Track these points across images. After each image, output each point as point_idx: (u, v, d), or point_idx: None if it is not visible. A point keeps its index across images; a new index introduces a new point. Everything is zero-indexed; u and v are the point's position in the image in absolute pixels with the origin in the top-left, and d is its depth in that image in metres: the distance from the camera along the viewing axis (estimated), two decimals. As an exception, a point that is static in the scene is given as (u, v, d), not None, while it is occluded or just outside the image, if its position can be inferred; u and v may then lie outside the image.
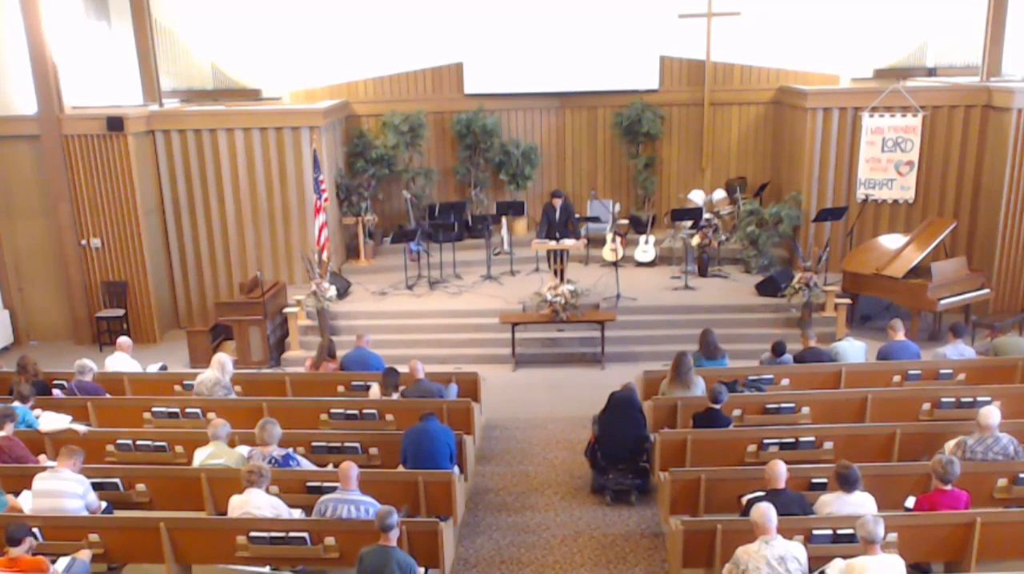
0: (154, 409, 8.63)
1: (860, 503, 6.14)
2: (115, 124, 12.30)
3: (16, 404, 8.08)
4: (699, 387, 8.41)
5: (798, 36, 14.80)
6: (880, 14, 14.72)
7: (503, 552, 7.32)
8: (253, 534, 6.33)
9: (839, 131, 13.37)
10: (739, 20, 14.58)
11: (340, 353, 9.95)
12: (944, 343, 9.68)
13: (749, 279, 13.16)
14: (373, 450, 7.87)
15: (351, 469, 6.48)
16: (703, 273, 13.47)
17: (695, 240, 13.44)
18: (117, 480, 7.25)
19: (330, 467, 7.38)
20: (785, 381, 9.01)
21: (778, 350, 9.28)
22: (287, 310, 12.16)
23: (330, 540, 6.32)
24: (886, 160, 13.18)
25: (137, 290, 13.00)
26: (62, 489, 6.69)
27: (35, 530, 6.34)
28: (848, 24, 14.75)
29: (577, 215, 13.01)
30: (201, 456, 7.31)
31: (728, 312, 12.22)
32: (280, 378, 9.56)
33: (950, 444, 7.11)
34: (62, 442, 7.48)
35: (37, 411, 8.24)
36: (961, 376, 8.96)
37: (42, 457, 7.79)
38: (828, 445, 7.64)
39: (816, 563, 5.79)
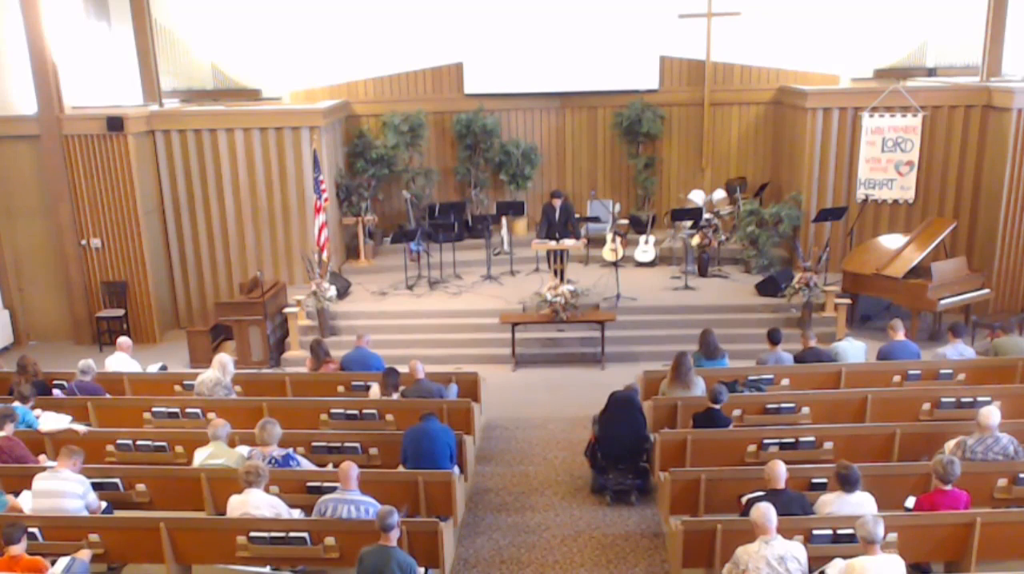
0: (154, 409, 8.63)
1: (860, 503, 6.14)
2: (115, 124, 12.30)
3: (16, 404, 8.09)
4: (699, 387, 8.41)
5: (798, 36, 14.80)
6: (880, 14, 14.72)
7: (503, 552, 7.31)
8: (253, 534, 6.33)
9: (839, 131, 13.37)
10: (739, 20, 14.57)
11: (339, 353, 9.95)
12: (944, 343, 9.68)
13: (749, 279, 13.16)
14: (373, 450, 7.87)
15: (351, 469, 6.48)
16: (703, 273, 13.47)
17: (695, 240, 13.43)
18: (117, 480, 7.25)
19: (330, 467, 7.39)
20: (785, 381, 9.01)
21: (774, 337, 9.27)
22: (287, 310, 12.16)
23: (330, 540, 6.32)
24: (886, 160, 13.18)
25: (137, 290, 13.00)
26: (62, 489, 6.68)
27: (35, 530, 6.35)
28: (848, 24, 14.75)
29: (577, 215, 13.01)
30: (201, 456, 7.32)
31: (728, 312, 12.21)
32: (280, 378, 9.55)
33: (950, 444, 7.11)
34: (62, 442, 7.47)
35: (37, 411, 8.24)
36: (961, 376, 8.96)
37: (42, 457, 7.79)
38: (828, 445, 7.64)
39: (816, 563, 5.79)
